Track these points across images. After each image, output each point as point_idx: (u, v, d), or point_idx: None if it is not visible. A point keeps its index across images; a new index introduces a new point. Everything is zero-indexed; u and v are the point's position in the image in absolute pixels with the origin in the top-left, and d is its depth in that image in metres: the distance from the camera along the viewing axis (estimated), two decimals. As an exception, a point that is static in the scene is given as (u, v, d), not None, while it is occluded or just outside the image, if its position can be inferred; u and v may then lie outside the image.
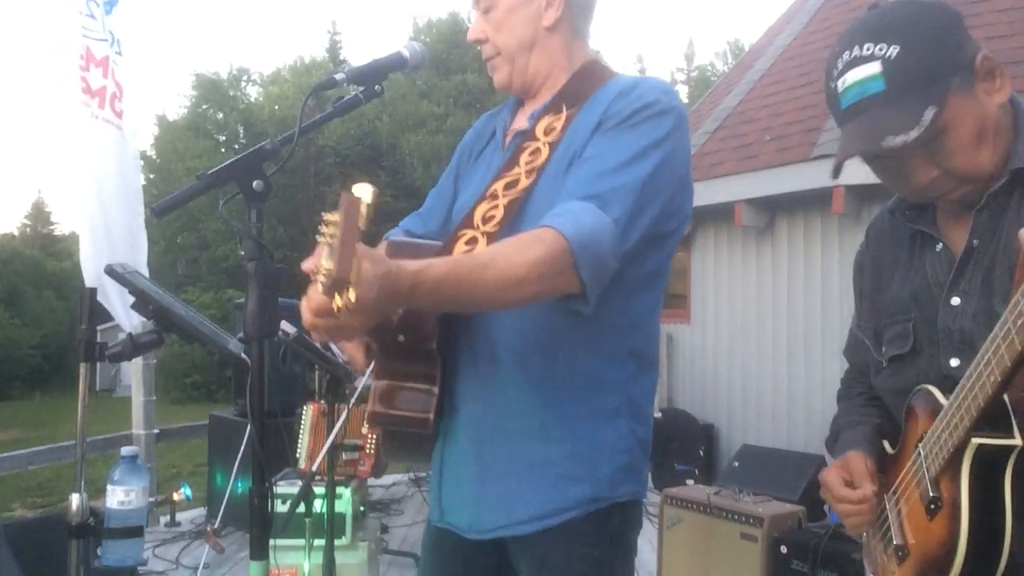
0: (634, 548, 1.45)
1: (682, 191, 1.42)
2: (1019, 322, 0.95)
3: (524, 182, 1.38)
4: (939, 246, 1.25)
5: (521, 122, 1.51)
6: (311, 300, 1.01)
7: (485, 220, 1.37)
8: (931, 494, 1.15)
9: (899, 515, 1.26)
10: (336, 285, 0.90)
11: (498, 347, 1.38)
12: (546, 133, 1.42)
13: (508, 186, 1.40)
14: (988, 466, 1.08)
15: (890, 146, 1.14)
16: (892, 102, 1.15)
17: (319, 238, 0.94)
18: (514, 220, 1.36)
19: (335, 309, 0.93)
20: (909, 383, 1.27)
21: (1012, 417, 1.06)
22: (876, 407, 1.43)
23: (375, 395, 1.35)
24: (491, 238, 1.34)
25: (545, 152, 1.40)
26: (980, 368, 1.04)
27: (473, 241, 1.36)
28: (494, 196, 1.39)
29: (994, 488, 1.08)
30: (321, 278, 0.92)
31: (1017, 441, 1.06)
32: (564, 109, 1.43)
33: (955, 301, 1.21)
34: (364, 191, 0.89)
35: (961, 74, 1.16)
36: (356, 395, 1.55)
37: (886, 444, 1.35)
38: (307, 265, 1.04)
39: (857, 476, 1.30)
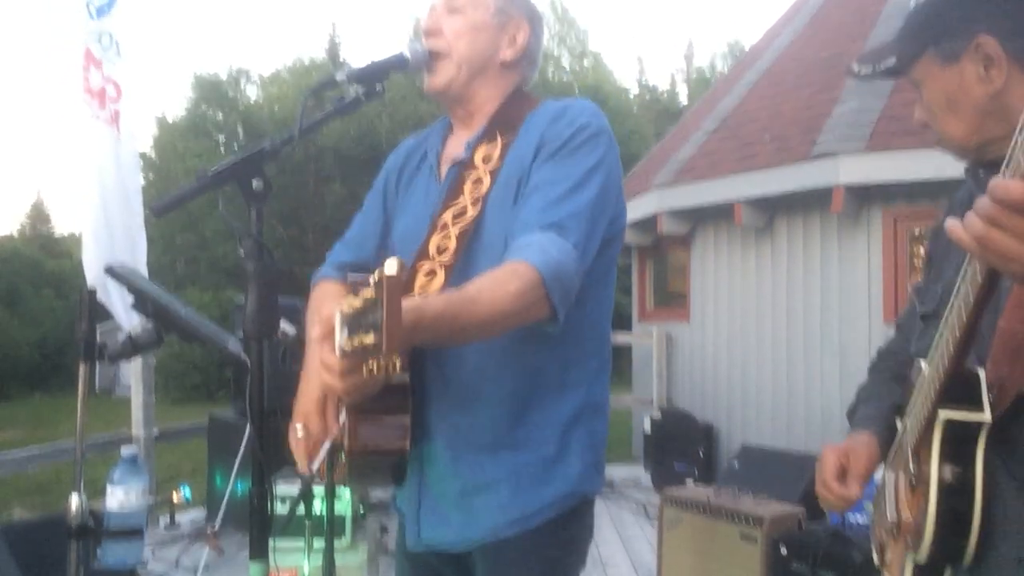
0: (585, 556, 1.54)
1: (619, 200, 1.50)
2: (970, 284, 0.97)
3: (471, 211, 1.43)
4: None
5: (455, 150, 1.55)
6: (332, 366, 1.08)
7: (440, 251, 1.42)
8: (911, 469, 1.17)
9: (895, 490, 1.28)
10: (381, 357, 0.94)
11: (467, 368, 1.42)
12: (485, 162, 1.48)
13: (456, 216, 1.44)
14: (960, 441, 1.08)
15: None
16: (898, 37, 1.26)
17: (340, 307, 0.99)
18: (467, 249, 1.41)
19: (366, 373, 0.97)
20: (926, 347, 1.26)
21: (984, 392, 1.05)
22: (901, 385, 1.42)
23: (351, 432, 1.36)
24: (448, 269, 1.39)
25: (487, 181, 1.45)
26: (946, 336, 1.05)
27: (432, 273, 1.40)
28: (444, 227, 1.44)
29: (965, 463, 1.07)
30: (343, 349, 0.97)
31: (986, 417, 1.05)
32: (499, 137, 1.49)
33: None
34: (394, 266, 0.93)
35: (948, 45, 1.19)
36: (321, 456, 1.55)
37: (899, 423, 1.35)
38: (315, 333, 1.11)
39: (853, 471, 1.31)
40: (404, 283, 1.41)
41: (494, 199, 1.43)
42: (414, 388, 1.39)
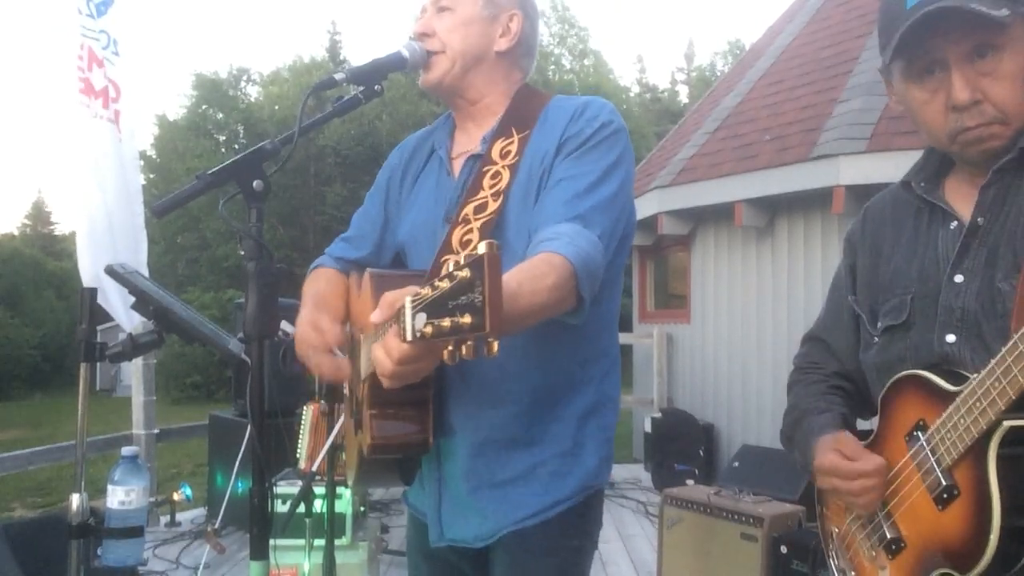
0: (597, 542, 1.57)
1: (632, 199, 1.53)
2: None
3: (493, 205, 1.44)
4: (953, 224, 1.24)
5: (468, 145, 1.56)
6: (392, 351, 1.05)
7: (463, 244, 1.42)
8: (944, 484, 1.13)
9: (889, 508, 1.24)
10: (480, 338, 0.92)
11: (487, 364, 1.41)
12: (502, 156, 1.49)
13: (478, 210, 1.45)
14: (1011, 452, 1.06)
15: (976, 10, 1.11)
16: None
17: (410, 294, 0.95)
18: None
19: (449, 356, 0.95)
20: (898, 357, 1.25)
21: None
22: (839, 396, 1.41)
23: (370, 425, 1.34)
24: None
25: (506, 175, 1.46)
26: (1021, 347, 1.02)
27: None
28: (466, 220, 1.44)
29: (1019, 474, 1.06)
30: (422, 332, 0.93)
31: None
32: (515, 132, 1.50)
33: (958, 279, 1.20)
34: (487, 247, 0.91)
35: None
36: (331, 438, 1.55)
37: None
38: (377, 317, 1.08)
39: (858, 452, 1.25)
40: (429, 275, 1.41)
41: (515, 193, 1.45)
42: (434, 382, 1.39)
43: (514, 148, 1.48)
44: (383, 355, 1.08)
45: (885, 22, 1.24)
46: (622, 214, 1.44)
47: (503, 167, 1.47)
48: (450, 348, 0.94)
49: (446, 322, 0.91)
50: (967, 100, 1.16)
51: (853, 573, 1.33)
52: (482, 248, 0.90)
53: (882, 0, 1.26)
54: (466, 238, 1.42)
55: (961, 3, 1.13)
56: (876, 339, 1.31)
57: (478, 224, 1.42)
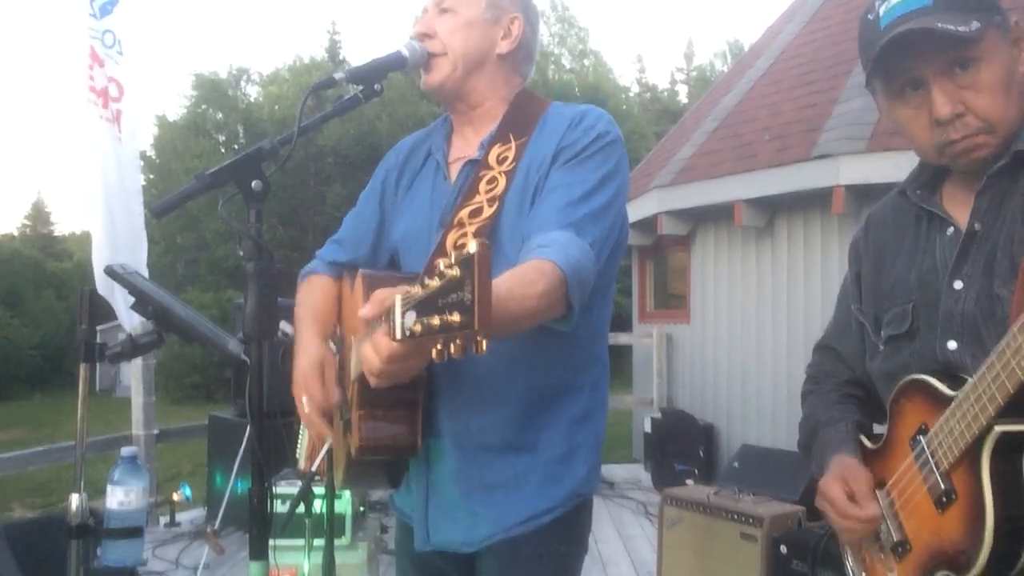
0: (587, 546, 1.58)
1: (625, 209, 1.54)
2: None
3: (488, 210, 1.45)
4: (950, 230, 1.25)
5: (465, 150, 1.56)
6: (381, 349, 1.05)
7: (458, 248, 1.41)
8: (942, 487, 1.14)
9: (895, 510, 1.25)
10: (468, 336, 0.92)
11: (481, 368, 1.42)
12: (499, 162, 1.49)
13: (473, 214, 1.46)
14: (1004, 456, 1.07)
15: (944, 29, 1.13)
16: (939, 11, 1.15)
17: (399, 292, 0.94)
18: None
19: (437, 355, 0.95)
20: (902, 365, 1.26)
21: None
22: (852, 403, 1.42)
23: (359, 426, 1.34)
24: None
25: (502, 181, 1.47)
26: (1008, 356, 1.02)
27: None
28: (461, 224, 1.45)
29: (1012, 477, 1.07)
30: (411, 330, 0.92)
31: None
32: (512, 139, 1.51)
33: (957, 285, 1.20)
34: (476, 246, 0.91)
35: (1002, 19, 1.17)
36: (330, 438, 1.55)
37: (864, 440, 1.35)
38: (366, 312, 1.07)
39: (861, 493, 1.28)
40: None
41: (511, 199, 1.45)
42: (425, 386, 1.39)
43: (511, 154, 1.49)
44: (372, 353, 1.08)
45: (863, 42, 1.25)
46: (615, 224, 1.45)
47: (500, 173, 1.48)
48: (439, 347, 0.94)
49: (435, 320, 0.91)
50: (948, 114, 1.18)
51: (864, 574, 1.35)
52: (472, 247, 0.90)
53: (861, 18, 1.27)
54: (460, 242, 1.42)
55: (927, 24, 1.15)
56: (881, 347, 1.32)
57: (473, 228, 1.43)
